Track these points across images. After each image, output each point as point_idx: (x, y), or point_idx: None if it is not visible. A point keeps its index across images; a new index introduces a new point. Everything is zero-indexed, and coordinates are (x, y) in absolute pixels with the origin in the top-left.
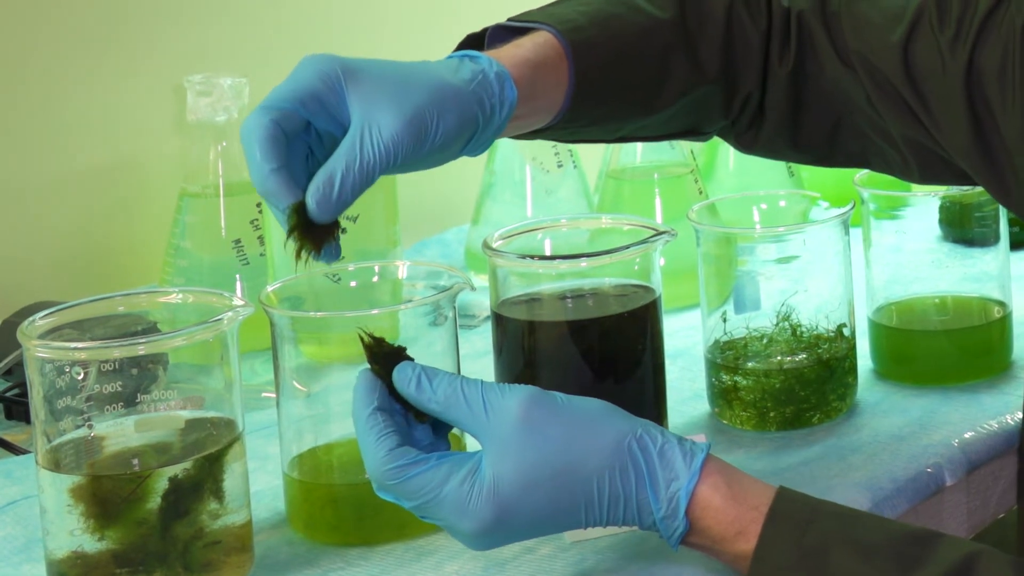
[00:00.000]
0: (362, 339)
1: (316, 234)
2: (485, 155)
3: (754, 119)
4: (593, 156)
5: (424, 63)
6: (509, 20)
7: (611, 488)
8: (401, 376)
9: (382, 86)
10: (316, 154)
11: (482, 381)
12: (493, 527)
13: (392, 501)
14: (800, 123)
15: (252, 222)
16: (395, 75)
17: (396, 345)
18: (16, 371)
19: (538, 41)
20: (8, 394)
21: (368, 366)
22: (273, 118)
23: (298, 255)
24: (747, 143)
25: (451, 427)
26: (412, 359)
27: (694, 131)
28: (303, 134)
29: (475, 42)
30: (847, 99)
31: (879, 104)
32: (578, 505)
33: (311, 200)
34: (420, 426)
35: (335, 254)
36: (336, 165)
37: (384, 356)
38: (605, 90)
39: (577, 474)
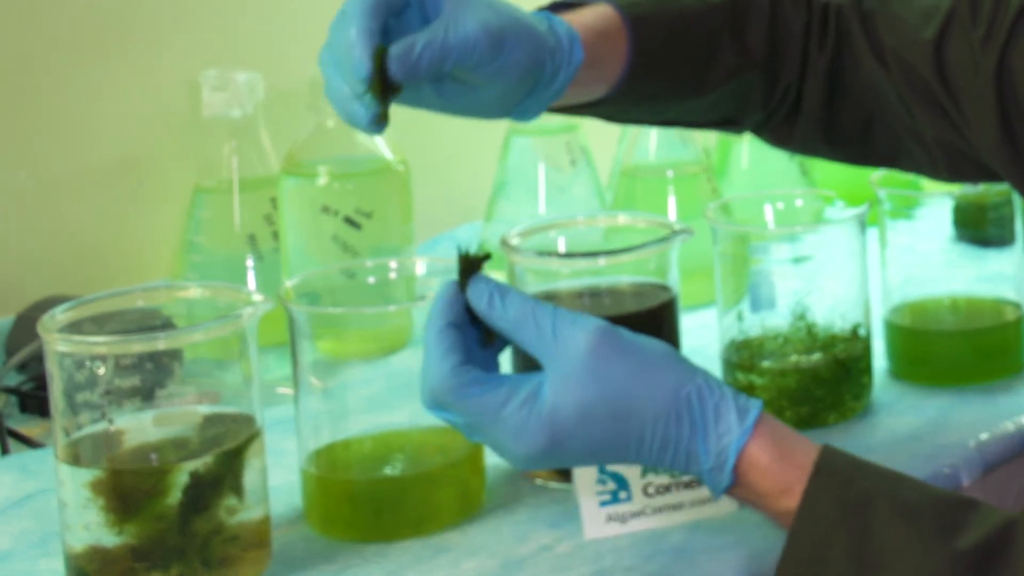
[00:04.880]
0: (458, 252)
1: (383, 93)
2: (498, 152)
3: (790, 112)
4: (606, 154)
5: (515, 5)
6: None
7: (664, 433)
8: (475, 290)
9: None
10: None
11: (554, 306)
12: (545, 453)
13: (441, 416)
14: (835, 118)
15: (266, 217)
16: None
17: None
18: (31, 365)
19: (598, 12)
20: (23, 388)
21: (455, 279)
22: None
23: (372, 90)
24: (783, 137)
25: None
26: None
27: (732, 121)
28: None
29: None
30: (880, 96)
31: (911, 100)
32: (629, 444)
33: (392, 52)
34: (483, 351)
35: (383, 124)
36: (418, 38)
37: (472, 273)
38: (660, 66)
39: (633, 415)
